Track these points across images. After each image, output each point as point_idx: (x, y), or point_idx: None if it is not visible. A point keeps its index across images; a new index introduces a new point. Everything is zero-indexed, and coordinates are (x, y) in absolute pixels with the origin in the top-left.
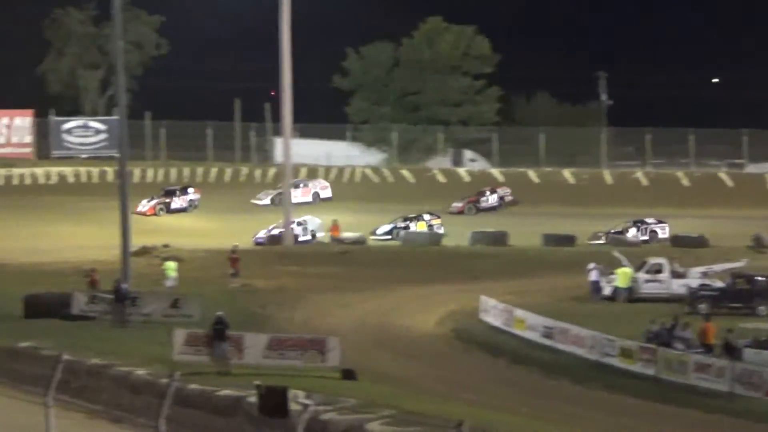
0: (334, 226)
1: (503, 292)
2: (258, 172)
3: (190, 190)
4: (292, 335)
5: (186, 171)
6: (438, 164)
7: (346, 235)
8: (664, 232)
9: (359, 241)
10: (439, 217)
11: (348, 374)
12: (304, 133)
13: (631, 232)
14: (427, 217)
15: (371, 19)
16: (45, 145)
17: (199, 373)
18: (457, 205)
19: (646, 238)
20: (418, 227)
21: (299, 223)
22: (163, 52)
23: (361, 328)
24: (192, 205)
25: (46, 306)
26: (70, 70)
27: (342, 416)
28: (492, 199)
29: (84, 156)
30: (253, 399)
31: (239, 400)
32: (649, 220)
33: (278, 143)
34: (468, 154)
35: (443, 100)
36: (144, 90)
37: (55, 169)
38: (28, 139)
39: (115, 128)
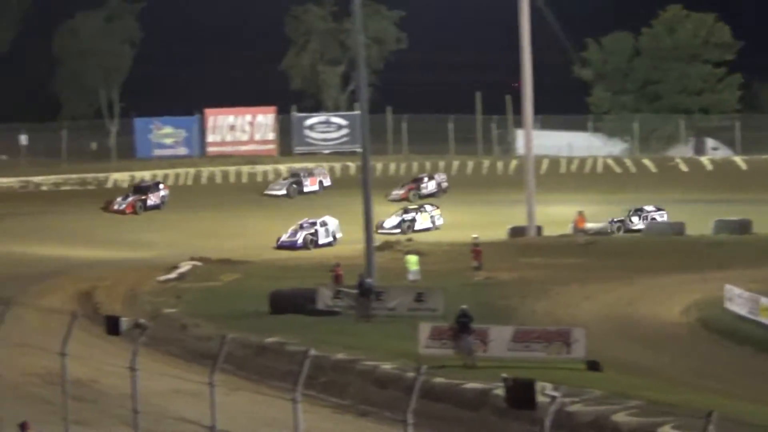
0: (580, 218)
1: (748, 281)
2: (500, 165)
3: (161, 186)
4: (537, 327)
5: (427, 164)
6: (680, 153)
7: (590, 225)
8: (663, 219)
9: (603, 232)
10: (438, 208)
11: (593, 365)
12: (545, 125)
13: (634, 220)
14: (429, 208)
15: (610, 8)
16: (287, 142)
17: (445, 367)
18: (399, 192)
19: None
20: (422, 219)
21: (322, 224)
22: (402, 46)
23: (604, 318)
24: (163, 202)
25: (291, 302)
26: (311, 67)
27: (588, 407)
28: (431, 186)
29: (326, 152)
30: (499, 391)
31: (486, 392)
32: (648, 208)
33: (519, 135)
34: (710, 142)
35: (684, 89)
36: (385, 84)
37: (297, 165)
38: (271, 135)
39: (356, 123)
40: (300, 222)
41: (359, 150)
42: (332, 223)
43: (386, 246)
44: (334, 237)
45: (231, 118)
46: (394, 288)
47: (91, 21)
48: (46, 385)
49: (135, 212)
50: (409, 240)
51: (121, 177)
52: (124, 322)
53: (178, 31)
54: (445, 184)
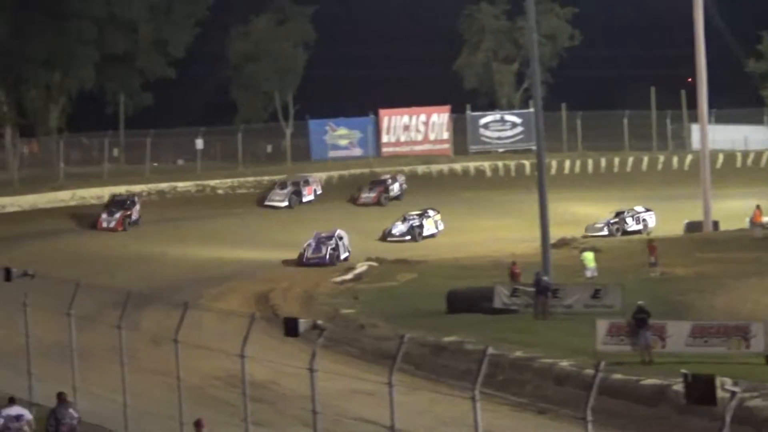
0: (757, 212)
1: None
2: (675, 160)
3: (136, 198)
4: (715, 322)
5: (602, 161)
6: None
7: (767, 219)
8: (652, 220)
9: None
10: (439, 212)
11: None
12: (719, 119)
13: (630, 222)
14: (431, 212)
15: None
16: (462, 141)
17: (622, 363)
18: (370, 195)
19: (640, 227)
20: (428, 224)
21: (340, 237)
22: (575, 42)
23: None
24: (139, 217)
25: (468, 300)
26: (485, 65)
27: None
28: (395, 188)
29: (501, 150)
30: (678, 387)
31: (664, 389)
32: (639, 209)
33: (694, 130)
34: None
35: None
36: (558, 82)
37: (472, 164)
38: (446, 135)
39: (530, 121)
40: (318, 236)
41: (534, 148)
42: (345, 236)
43: (562, 243)
44: (349, 251)
45: (405, 119)
46: (571, 285)
47: (264, 24)
48: (226, 387)
49: (124, 228)
50: (584, 237)
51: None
52: (303, 324)
53: (351, 32)
54: (404, 186)
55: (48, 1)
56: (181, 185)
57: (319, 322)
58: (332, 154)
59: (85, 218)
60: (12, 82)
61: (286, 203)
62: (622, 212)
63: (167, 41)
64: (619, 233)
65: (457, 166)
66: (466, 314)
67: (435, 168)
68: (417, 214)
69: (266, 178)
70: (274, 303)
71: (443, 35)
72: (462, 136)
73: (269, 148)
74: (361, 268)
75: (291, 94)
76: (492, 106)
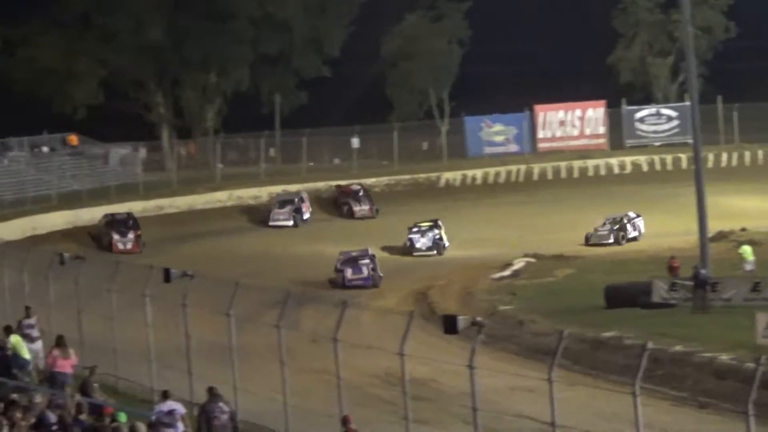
0: None
1: None
2: None
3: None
4: None
5: (760, 153)
6: None
7: None
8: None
9: None
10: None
11: None
12: None
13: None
14: (440, 223)
15: None
16: (618, 135)
17: None
18: (364, 208)
19: (636, 234)
20: (444, 236)
21: (372, 255)
22: (731, 34)
23: None
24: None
25: (626, 295)
26: (639, 59)
27: None
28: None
29: (657, 144)
30: None
31: None
32: (631, 214)
33: None
34: None
35: None
36: (714, 74)
37: (628, 159)
38: (602, 129)
39: (686, 114)
40: (348, 255)
41: (690, 141)
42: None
43: (721, 236)
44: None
45: (561, 114)
46: (730, 278)
47: (419, 22)
48: (385, 385)
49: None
50: (743, 230)
51: (452, 176)
52: (462, 321)
53: (505, 27)
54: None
55: (203, 3)
56: (336, 184)
57: (479, 318)
58: (488, 150)
59: (244, 218)
60: (169, 84)
61: (291, 222)
62: (619, 218)
63: (322, 40)
64: (624, 241)
65: (613, 161)
66: (624, 309)
67: (591, 163)
68: (429, 226)
69: (422, 175)
70: (432, 300)
71: (597, 29)
72: (617, 131)
73: (425, 146)
74: (518, 264)
75: (446, 91)
76: (647, 100)
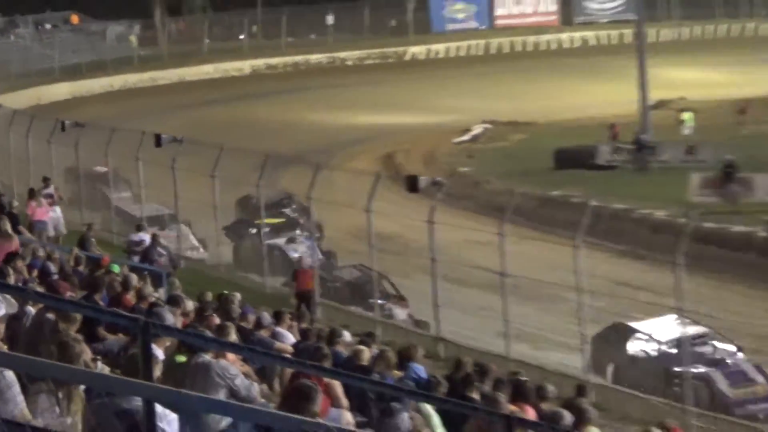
0: None
1: None
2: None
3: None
4: None
5: (698, 29)
6: None
7: None
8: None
9: None
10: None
11: None
12: None
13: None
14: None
15: None
16: (568, 12)
17: (713, 212)
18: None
19: None
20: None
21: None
22: None
23: None
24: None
25: (574, 158)
26: None
27: None
28: None
29: (604, 21)
30: (763, 233)
31: (750, 235)
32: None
33: None
34: None
35: None
36: None
37: (578, 34)
38: (553, 7)
39: None
40: None
41: (634, 18)
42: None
43: (661, 104)
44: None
45: None
46: (667, 143)
47: None
48: (354, 239)
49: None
50: (682, 98)
51: (418, 50)
52: (423, 181)
53: None
54: None
55: None
56: (314, 57)
57: (438, 178)
58: (450, 26)
59: (229, 88)
60: None
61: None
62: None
63: None
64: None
65: (564, 36)
66: (572, 170)
67: (544, 38)
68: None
69: (390, 49)
70: (398, 162)
71: None
72: (567, 8)
73: (393, 22)
74: (476, 129)
75: None
76: None
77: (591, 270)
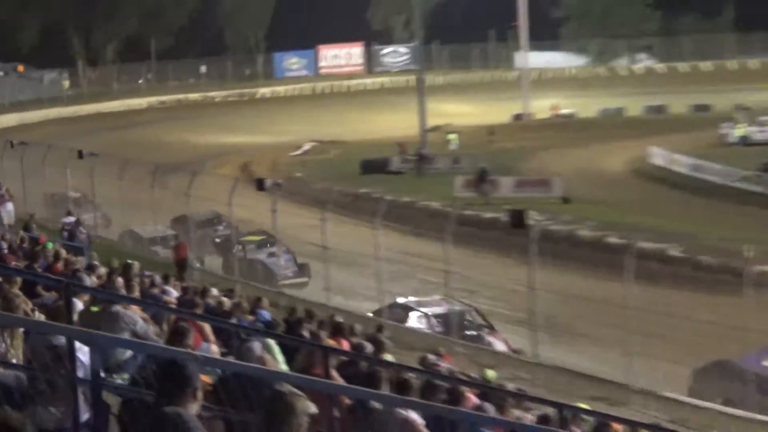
0: (554, 107)
1: (665, 143)
2: (507, 75)
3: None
4: (530, 177)
5: (459, 77)
6: (620, 64)
7: (563, 111)
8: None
9: (572, 115)
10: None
11: (565, 200)
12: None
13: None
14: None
15: None
16: (371, 64)
17: (471, 204)
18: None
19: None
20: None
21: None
22: None
23: (574, 170)
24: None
25: (374, 166)
26: (383, 16)
27: (562, 226)
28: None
29: (395, 70)
30: (505, 218)
31: (496, 219)
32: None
33: (518, 56)
34: (642, 56)
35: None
36: (434, 24)
37: (378, 79)
38: (360, 61)
39: (414, 51)
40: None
41: (416, 68)
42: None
43: (435, 128)
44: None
45: (335, 51)
46: (439, 155)
47: None
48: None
49: None
50: (448, 124)
51: (265, 91)
52: (267, 182)
53: None
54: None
55: None
56: (192, 96)
57: (279, 180)
58: (288, 74)
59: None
60: (82, 31)
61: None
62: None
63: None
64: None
65: (368, 81)
66: (374, 175)
67: (353, 82)
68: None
69: (246, 90)
70: (251, 169)
71: None
72: (370, 62)
73: (248, 71)
74: (307, 146)
75: (263, 32)
76: (390, 42)
77: (387, 245)
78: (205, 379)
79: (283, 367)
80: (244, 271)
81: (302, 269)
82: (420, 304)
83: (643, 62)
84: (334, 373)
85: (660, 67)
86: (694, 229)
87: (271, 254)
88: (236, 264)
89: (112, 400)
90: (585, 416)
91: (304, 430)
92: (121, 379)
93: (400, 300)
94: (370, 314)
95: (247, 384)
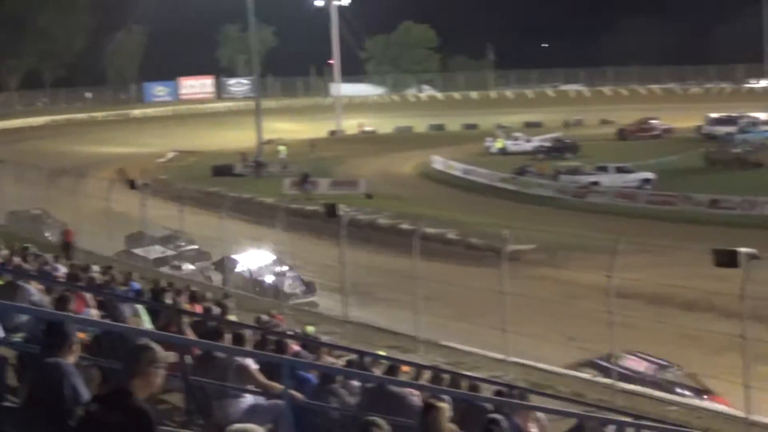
0: (360, 125)
1: (443, 153)
2: (324, 101)
3: None
4: (343, 179)
5: (287, 101)
6: (412, 92)
7: (367, 128)
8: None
9: (373, 131)
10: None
11: (369, 196)
12: (345, 80)
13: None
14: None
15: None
16: (220, 91)
17: (297, 199)
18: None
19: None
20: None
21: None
22: (275, 44)
23: (375, 173)
24: None
25: (222, 170)
26: (230, 54)
27: (364, 215)
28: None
29: (240, 96)
30: (322, 210)
31: (316, 211)
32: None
33: (333, 86)
34: (425, 87)
35: (413, 61)
36: (269, 61)
37: (225, 104)
38: (212, 89)
39: (253, 83)
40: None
41: (255, 95)
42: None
43: (269, 141)
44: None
45: (192, 81)
46: (273, 162)
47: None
48: (98, 215)
49: None
50: (279, 138)
51: (138, 112)
52: (138, 182)
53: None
54: None
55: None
56: (79, 116)
57: (147, 182)
58: (155, 99)
59: (31, 134)
60: None
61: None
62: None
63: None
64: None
65: (218, 105)
66: (222, 177)
67: (207, 106)
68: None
69: (122, 111)
70: (126, 172)
71: (207, 36)
72: (219, 90)
73: (123, 96)
74: (170, 155)
75: (135, 66)
76: (234, 75)
77: (232, 230)
78: (83, 336)
79: (149, 326)
80: (249, 290)
81: (309, 287)
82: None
83: (427, 92)
84: (188, 330)
85: (440, 95)
86: (466, 218)
87: (278, 274)
88: (242, 283)
89: (10, 354)
90: (382, 360)
91: (162, 375)
92: (18, 337)
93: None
94: (212, 265)
95: (116, 339)
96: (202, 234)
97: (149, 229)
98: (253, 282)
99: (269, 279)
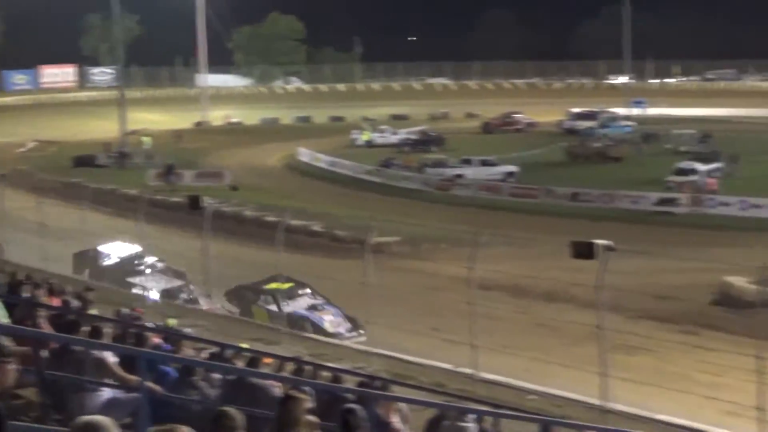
0: (227, 117)
1: (310, 145)
2: (189, 92)
3: None
4: (208, 169)
5: (157, 93)
6: (278, 84)
7: (233, 120)
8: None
9: (240, 123)
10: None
11: (234, 188)
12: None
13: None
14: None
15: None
16: (83, 81)
17: (161, 190)
18: None
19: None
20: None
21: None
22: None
23: (241, 165)
24: None
25: (84, 161)
26: (94, 45)
27: (229, 207)
28: None
29: (103, 86)
30: (184, 201)
31: (178, 202)
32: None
33: (199, 77)
34: (294, 79)
35: (281, 52)
36: (129, 61)
37: (89, 93)
38: (74, 78)
39: (117, 72)
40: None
41: (118, 84)
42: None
43: (133, 132)
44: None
45: (54, 70)
46: (136, 152)
47: None
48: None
49: None
50: (144, 129)
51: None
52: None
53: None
54: None
55: None
56: None
57: (3, 172)
58: (15, 88)
59: None
60: None
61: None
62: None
63: None
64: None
65: (81, 94)
66: (85, 168)
67: (69, 95)
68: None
69: None
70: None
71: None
72: (83, 80)
73: None
74: (31, 144)
75: None
76: (98, 64)
77: (93, 221)
78: None
79: (5, 320)
80: (283, 325)
81: (355, 323)
82: (107, 249)
83: (294, 84)
84: (44, 323)
85: (306, 87)
86: (332, 210)
87: (312, 307)
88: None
89: None
90: (244, 353)
91: (12, 370)
92: None
93: (99, 247)
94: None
95: None
96: (61, 225)
97: (100, 245)
98: (287, 316)
99: (301, 310)
